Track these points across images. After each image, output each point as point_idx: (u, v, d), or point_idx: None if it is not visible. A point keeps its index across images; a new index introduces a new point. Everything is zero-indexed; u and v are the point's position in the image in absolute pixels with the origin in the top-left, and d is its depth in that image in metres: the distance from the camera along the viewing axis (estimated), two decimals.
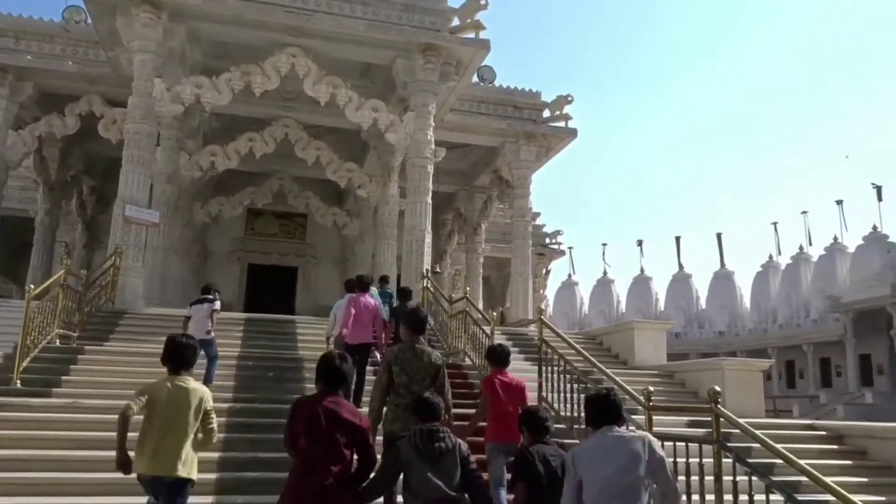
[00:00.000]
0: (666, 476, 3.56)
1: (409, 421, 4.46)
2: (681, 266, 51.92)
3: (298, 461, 3.79)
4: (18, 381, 8.06)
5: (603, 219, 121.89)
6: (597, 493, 3.43)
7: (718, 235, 50.51)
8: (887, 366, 36.10)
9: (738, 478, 5.06)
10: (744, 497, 4.98)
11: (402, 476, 3.90)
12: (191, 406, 4.18)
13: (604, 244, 70.06)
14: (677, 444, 5.53)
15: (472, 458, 3.99)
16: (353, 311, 8.30)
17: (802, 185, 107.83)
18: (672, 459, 4.99)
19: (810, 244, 46.20)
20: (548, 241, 34.02)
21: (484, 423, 5.84)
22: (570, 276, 56.76)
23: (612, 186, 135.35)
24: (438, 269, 24.11)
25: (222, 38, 15.87)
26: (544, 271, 34.38)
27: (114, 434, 4.22)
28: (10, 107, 17.30)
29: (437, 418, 4.06)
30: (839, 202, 44.51)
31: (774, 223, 49.09)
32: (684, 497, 5.52)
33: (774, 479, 5.25)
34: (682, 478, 5.47)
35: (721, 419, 5.40)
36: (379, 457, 4.11)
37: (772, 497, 4.84)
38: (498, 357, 6.09)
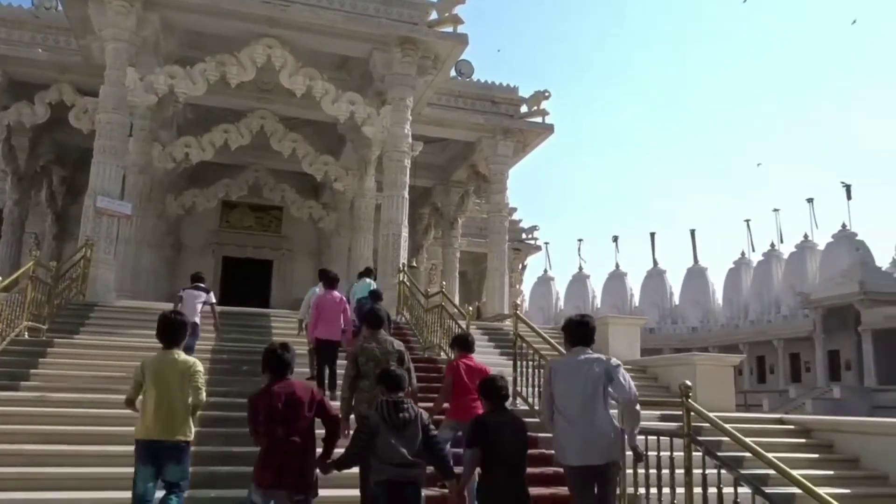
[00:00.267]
0: (620, 383, 4.57)
1: (374, 400, 4.71)
2: (655, 262, 52.45)
3: (264, 444, 4.20)
4: None
5: (579, 214, 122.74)
6: (567, 398, 4.55)
7: (692, 232, 51.08)
8: (855, 361, 36.83)
9: (708, 471, 5.14)
10: (713, 490, 5.06)
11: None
12: (182, 377, 4.66)
13: (579, 240, 70.77)
14: (649, 437, 5.60)
15: (433, 428, 4.41)
16: (317, 312, 8.34)
17: (775, 183, 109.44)
18: (644, 454, 5.10)
19: (782, 241, 46.92)
20: (524, 236, 34.17)
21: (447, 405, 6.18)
22: (546, 271, 57.12)
23: (588, 182, 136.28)
24: (415, 264, 24.08)
25: (197, 28, 15.65)
26: (520, 266, 34.55)
27: (83, 428, 5.48)
28: None
29: (401, 389, 4.42)
30: (810, 200, 45.28)
31: (747, 220, 49.51)
32: (654, 490, 5.62)
33: (743, 472, 5.33)
34: (653, 471, 5.55)
35: (692, 413, 5.47)
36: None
37: (740, 490, 4.92)
38: (464, 343, 6.44)
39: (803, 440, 8.53)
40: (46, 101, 17.30)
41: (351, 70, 17.87)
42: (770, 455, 4.96)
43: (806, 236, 44.05)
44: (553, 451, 5.03)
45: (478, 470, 4.39)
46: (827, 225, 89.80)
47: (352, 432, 4.72)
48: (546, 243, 52.51)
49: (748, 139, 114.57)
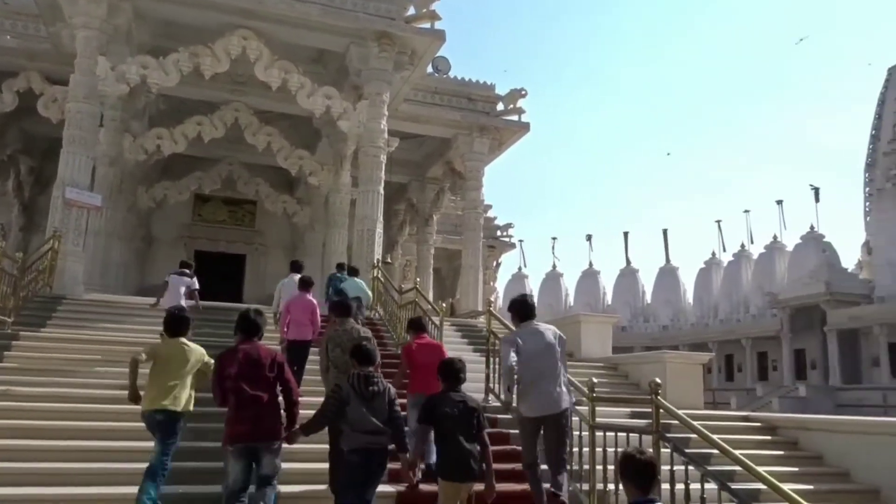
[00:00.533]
0: (563, 358, 5.63)
1: (343, 378, 5.11)
2: (628, 261, 53.06)
3: (232, 401, 4.62)
4: None
5: (554, 213, 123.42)
6: (535, 359, 5.39)
7: (664, 232, 51.72)
8: (820, 360, 37.59)
9: (676, 467, 5.21)
10: (680, 486, 5.13)
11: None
12: (188, 360, 5.33)
13: (553, 238, 71.04)
14: (619, 434, 5.66)
15: (398, 402, 4.79)
16: (288, 314, 8.38)
17: (746, 184, 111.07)
18: (613, 449, 5.29)
19: (752, 242, 47.75)
20: (499, 233, 34.27)
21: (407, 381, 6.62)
22: (520, 268, 57.53)
23: (563, 181, 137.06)
24: (389, 260, 24.05)
25: (171, 18, 15.43)
26: (495, 263, 34.65)
27: (49, 422, 5.53)
28: None
29: (372, 363, 4.80)
30: (779, 202, 46.10)
31: (718, 221, 50.36)
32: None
33: (710, 468, 5.42)
34: None
35: (661, 410, 5.54)
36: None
37: (707, 486, 4.99)
38: (417, 324, 7.08)
39: (769, 437, 8.66)
40: (14, 90, 16.88)
41: (327, 64, 17.74)
42: (737, 452, 5.04)
43: (775, 237, 44.85)
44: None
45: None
46: (795, 227, 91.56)
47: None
48: (520, 241, 52.85)
49: (721, 141, 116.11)
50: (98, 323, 10.63)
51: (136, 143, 16.55)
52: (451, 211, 27.26)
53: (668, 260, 51.30)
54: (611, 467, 5.68)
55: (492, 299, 17.44)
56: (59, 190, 13.33)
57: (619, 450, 5.40)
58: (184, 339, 5.47)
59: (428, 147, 22.89)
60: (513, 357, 5.36)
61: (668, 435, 5.72)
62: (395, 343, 11.29)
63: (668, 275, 50.61)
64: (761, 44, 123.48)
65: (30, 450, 6.05)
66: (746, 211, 49.67)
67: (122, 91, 14.46)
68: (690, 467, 5.18)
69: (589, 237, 55.47)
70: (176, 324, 5.58)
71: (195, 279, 9.99)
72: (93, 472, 5.76)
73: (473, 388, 8.03)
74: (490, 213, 31.90)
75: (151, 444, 6.17)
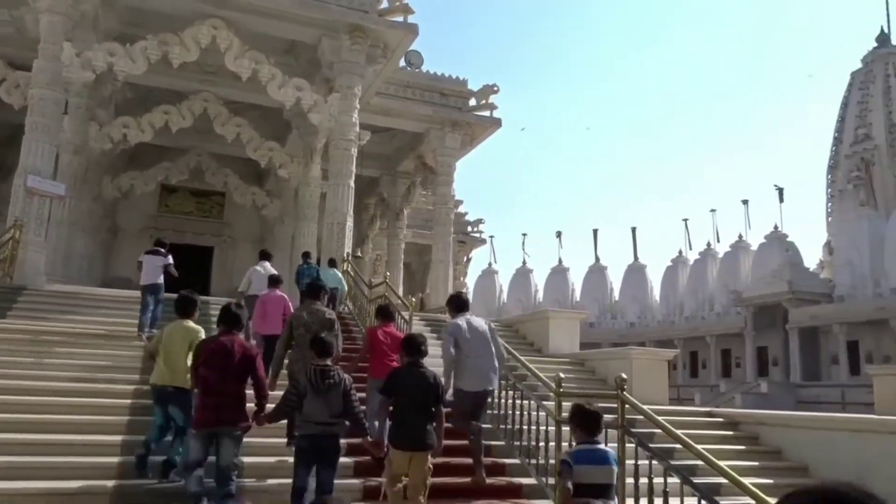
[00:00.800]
0: (497, 341, 6.60)
1: (304, 361, 5.58)
2: (597, 258, 53.42)
3: (200, 388, 5.10)
4: None
5: (524, 209, 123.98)
6: (473, 342, 6.32)
7: (633, 230, 52.20)
8: (781, 358, 38.35)
9: (640, 462, 5.28)
10: (644, 480, 5.21)
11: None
12: (188, 338, 5.77)
13: (524, 234, 71.54)
14: None
15: (355, 391, 5.12)
16: (262, 309, 8.52)
17: (713, 184, 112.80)
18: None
19: (718, 241, 48.39)
20: (469, 229, 34.33)
21: (366, 364, 6.93)
22: (490, 264, 57.48)
23: (534, 178, 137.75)
24: (359, 254, 23.92)
25: (139, 5, 15.13)
26: (465, 259, 34.71)
27: (7, 416, 5.68)
28: None
29: (330, 355, 5.15)
30: (745, 202, 46.79)
31: (685, 220, 50.91)
32: None
33: (673, 462, 5.50)
34: None
35: (626, 406, 5.61)
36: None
37: (670, 480, 5.07)
38: (385, 312, 7.34)
39: (731, 433, 8.83)
40: None
41: (298, 55, 17.58)
42: (699, 447, 5.13)
43: (740, 237, 45.57)
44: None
45: None
46: (760, 226, 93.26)
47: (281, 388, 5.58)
48: (491, 237, 52.88)
49: (690, 141, 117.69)
50: (61, 315, 10.41)
51: (102, 132, 16.23)
52: (421, 206, 27.24)
53: (636, 257, 51.85)
54: None
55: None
56: (21, 178, 13.04)
57: None
58: (189, 321, 6.00)
59: (399, 141, 22.83)
60: (452, 352, 6.21)
61: (633, 430, 5.80)
62: (364, 338, 11.26)
63: (636, 272, 51.15)
64: (731, 48, 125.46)
65: None
66: (713, 210, 50.45)
67: (88, 78, 14.16)
68: (654, 461, 5.26)
69: (559, 234, 55.68)
70: (184, 304, 6.05)
71: (170, 256, 10.15)
72: (49, 466, 5.64)
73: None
74: (461, 209, 31.93)
75: (118, 437, 6.18)
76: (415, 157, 22.62)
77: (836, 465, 7.47)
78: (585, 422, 4.05)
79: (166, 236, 22.44)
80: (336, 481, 5.12)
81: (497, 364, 6.49)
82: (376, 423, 5.75)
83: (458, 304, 6.81)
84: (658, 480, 5.19)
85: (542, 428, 6.40)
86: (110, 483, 5.51)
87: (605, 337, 44.49)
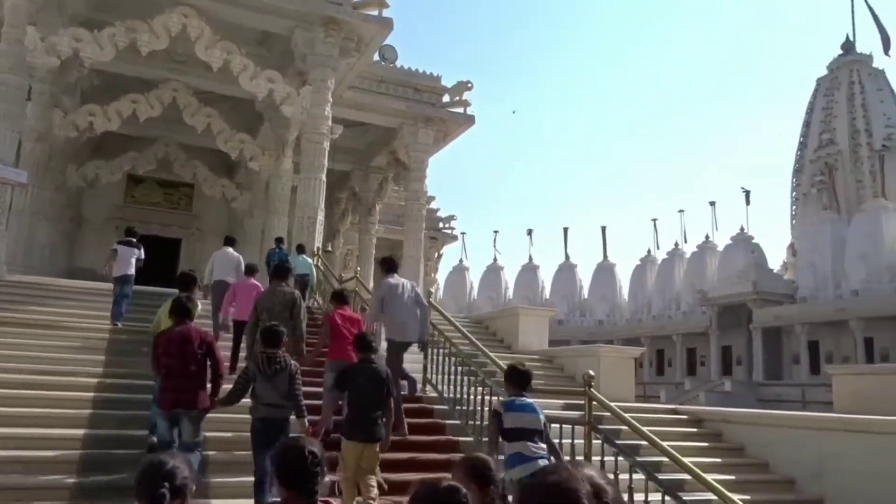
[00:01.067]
0: (422, 302, 7.80)
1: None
2: (567, 256, 53.86)
3: (163, 373, 5.50)
4: None
5: (496, 206, 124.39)
6: (398, 299, 7.44)
7: (603, 229, 52.84)
8: (745, 357, 39.11)
9: (607, 458, 5.34)
10: (610, 476, 5.27)
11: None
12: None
13: (495, 231, 71.42)
14: (552, 425, 5.76)
15: (300, 376, 5.53)
16: (234, 296, 8.69)
17: (682, 185, 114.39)
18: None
19: (685, 241, 49.13)
20: (441, 225, 34.30)
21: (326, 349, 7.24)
22: (461, 261, 57.62)
23: (506, 176, 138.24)
24: (330, 248, 23.79)
25: None
26: (436, 255, 34.68)
27: None
28: None
29: (277, 345, 5.49)
30: (712, 203, 47.57)
31: (654, 220, 51.58)
32: None
33: (639, 458, 5.58)
34: (553, 459, 5.71)
35: (594, 402, 5.67)
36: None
37: (635, 476, 5.14)
38: (340, 296, 7.73)
39: (695, 430, 8.98)
40: None
41: (271, 47, 17.37)
42: (664, 443, 5.20)
43: (707, 237, 46.32)
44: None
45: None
46: (727, 228, 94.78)
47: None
48: (462, 233, 52.95)
49: (661, 143, 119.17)
50: (22, 305, 10.16)
51: (67, 119, 15.86)
52: (393, 201, 27.14)
53: (605, 256, 52.36)
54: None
55: (432, 291, 17.48)
56: None
57: (554, 441, 5.54)
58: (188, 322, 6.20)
59: (372, 136, 22.71)
60: (378, 307, 7.46)
61: (600, 427, 5.86)
62: (323, 322, 11.21)
63: (605, 271, 51.67)
64: (703, 54, 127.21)
65: None
66: (681, 211, 51.39)
67: (53, 64, 13.82)
68: (620, 458, 5.32)
69: (530, 232, 55.99)
70: (179, 309, 6.11)
71: (142, 249, 10.48)
72: (12, 461, 5.52)
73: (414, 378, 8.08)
74: (433, 205, 31.89)
75: (80, 431, 6.13)
76: (387, 152, 22.51)
77: (795, 461, 7.64)
78: (517, 378, 4.68)
79: (133, 227, 22.19)
80: None
81: (421, 322, 7.63)
82: (327, 396, 6.27)
83: (389, 265, 7.85)
84: (623, 476, 5.26)
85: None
86: (70, 478, 5.41)
87: (574, 334, 44.90)
